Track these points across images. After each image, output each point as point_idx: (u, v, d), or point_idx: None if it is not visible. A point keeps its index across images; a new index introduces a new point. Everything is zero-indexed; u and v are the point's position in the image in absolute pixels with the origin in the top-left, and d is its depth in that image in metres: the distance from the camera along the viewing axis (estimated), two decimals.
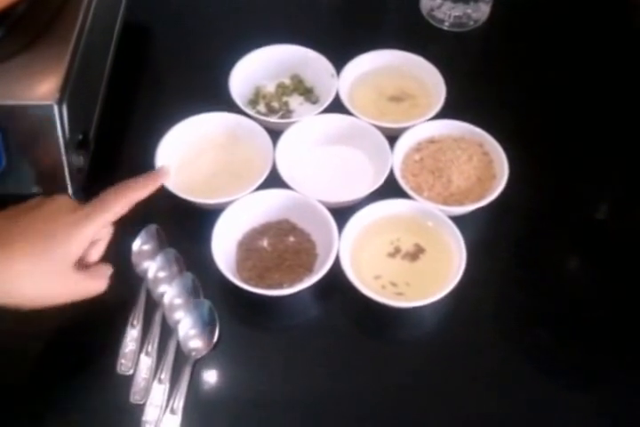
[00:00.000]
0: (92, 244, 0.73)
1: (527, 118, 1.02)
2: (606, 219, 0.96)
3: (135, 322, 0.83)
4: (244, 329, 0.84)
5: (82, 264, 0.72)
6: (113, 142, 0.93)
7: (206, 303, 0.83)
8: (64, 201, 0.72)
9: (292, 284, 0.84)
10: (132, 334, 0.82)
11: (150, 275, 0.85)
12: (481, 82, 1.04)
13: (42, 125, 0.79)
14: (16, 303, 0.66)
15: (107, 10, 0.93)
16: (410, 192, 0.88)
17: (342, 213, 0.86)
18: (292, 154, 0.93)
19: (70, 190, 0.83)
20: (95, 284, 0.73)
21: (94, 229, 0.70)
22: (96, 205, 0.71)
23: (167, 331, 0.82)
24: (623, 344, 0.84)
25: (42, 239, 0.66)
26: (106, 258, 0.85)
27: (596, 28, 1.10)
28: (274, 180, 0.89)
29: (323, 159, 0.96)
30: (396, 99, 1.00)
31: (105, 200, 0.72)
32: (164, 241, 0.88)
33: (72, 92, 0.81)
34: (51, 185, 0.83)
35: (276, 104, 1.00)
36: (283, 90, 1.01)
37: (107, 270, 0.75)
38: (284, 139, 0.92)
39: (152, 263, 0.86)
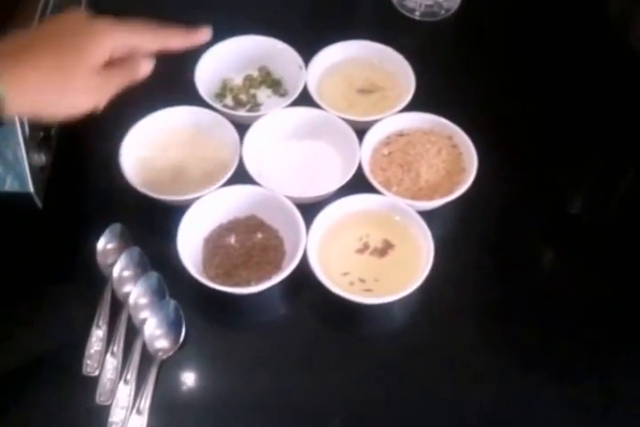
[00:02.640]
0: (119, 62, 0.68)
1: (497, 110, 1.00)
2: (579, 212, 0.95)
3: (100, 322, 0.81)
4: (212, 328, 0.83)
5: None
6: (76, 139, 0.91)
7: (172, 303, 0.82)
8: (79, 14, 0.68)
9: (259, 281, 0.83)
10: (98, 335, 0.81)
11: (115, 274, 0.84)
12: (451, 73, 1.03)
13: None
14: (48, 114, 0.64)
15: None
16: (378, 187, 0.87)
17: (311, 209, 0.85)
18: (259, 148, 0.92)
19: (32, 189, 0.81)
20: (121, 73, 0.68)
21: (112, 40, 0.66)
22: (121, 23, 0.68)
23: (133, 331, 0.81)
24: (597, 336, 0.84)
25: (54, 51, 0.63)
26: (69, 258, 0.84)
27: (571, 16, 1.09)
28: (241, 175, 0.87)
29: (291, 153, 0.94)
30: (365, 91, 0.99)
31: (133, 24, 0.69)
32: (129, 239, 0.87)
33: None
34: (12, 184, 0.81)
35: (243, 97, 0.99)
36: (250, 82, 1.00)
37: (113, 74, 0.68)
38: (250, 133, 0.91)
39: (117, 262, 0.84)
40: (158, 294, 0.83)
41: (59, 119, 0.65)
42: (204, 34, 0.75)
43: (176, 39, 0.72)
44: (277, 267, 0.85)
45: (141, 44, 0.69)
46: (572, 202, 0.96)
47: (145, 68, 0.69)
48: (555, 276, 0.90)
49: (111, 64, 0.67)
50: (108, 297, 0.83)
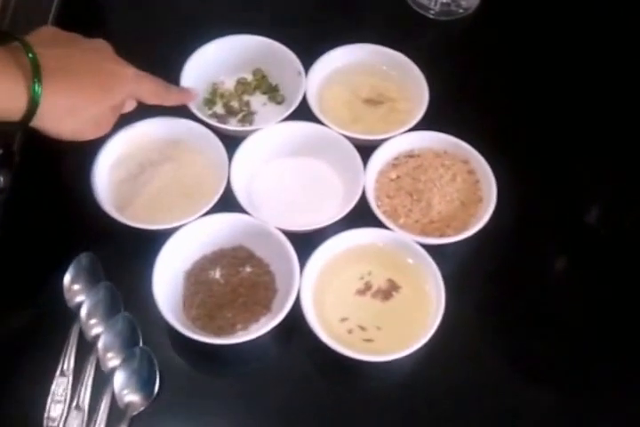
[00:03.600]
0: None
1: (521, 130, 0.90)
2: (608, 250, 0.84)
3: (65, 368, 0.72)
4: (190, 379, 0.74)
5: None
6: (41, 156, 0.80)
7: (145, 351, 0.73)
8: (107, 47, 0.72)
9: (246, 325, 0.75)
10: (62, 384, 0.72)
11: (83, 313, 0.74)
12: (469, 84, 0.93)
13: None
14: (59, 134, 0.67)
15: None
16: (383, 219, 0.77)
17: (307, 241, 0.76)
18: (249, 169, 0.82)
19: None
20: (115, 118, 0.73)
21: (136, 89, 0.72)
22: (144, 73, 0.74)
23: (102, 379, 0.72)
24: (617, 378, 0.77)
25: (94, 79, 0.67)
26: (31, 293, 0.75)
27: (600, 19, 0.98)
28: (228, 200, 0.78)
29: (285, 176, 0.84)
30: (371, 101, 0.88)
31: (148, 77, 0.74)
32: (100, 273, 0.77)
33: None
34: None
35: (235, 104, 0.88)
36: (244, 87, 0.89)
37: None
38: (240, 152, 0.80)
39: (85, 299, 0.75)
40: (131, 340, 0.74)
41: (61, 139, 0.67)
42: (192, 96, 0.82)
43: (173, 99, 0.79)
44: (267, 308, 0.76)
45: (148, 100, 0.75)
46: (602, 240, 0.85)
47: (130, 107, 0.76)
48: (584, 323, 0.80)
49: None
50: (74, 340, 0.74)
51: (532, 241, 0.83)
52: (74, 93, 0.65)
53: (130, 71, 0.71)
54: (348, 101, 0.88)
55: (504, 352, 0.77)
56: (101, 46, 0.71)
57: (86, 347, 0.73)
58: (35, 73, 0.61)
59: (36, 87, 0.61)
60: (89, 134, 0.70)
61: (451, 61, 0.93)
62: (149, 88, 0.73)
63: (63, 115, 0.65)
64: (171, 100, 0.78)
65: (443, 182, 0.81)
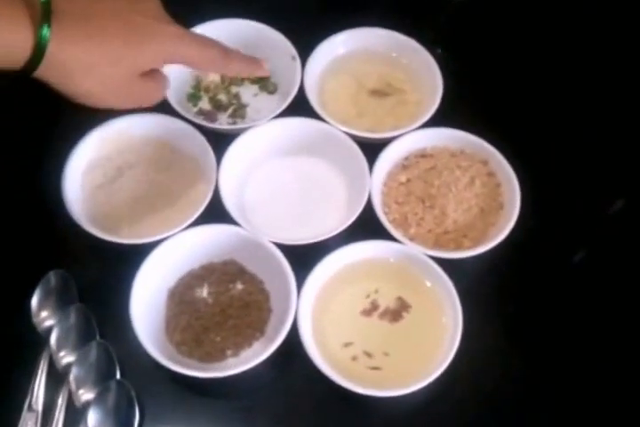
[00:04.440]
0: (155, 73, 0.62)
1: (546, 125, 0.81)
2: None
3: (34, 401, 0.64)
4: (173, 416, 0.65)
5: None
6: (3, 159, 0.71)
7: (123, 384, 0.64)
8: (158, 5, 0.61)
9: (237, 350, 0.68)
10: (30, 419, 0.64)
11: (53, 340, 0.66)
12: (489, 74, 0.83)
13: None
14: (72, 93, 0.57)
15: None
16: (391, 229, 0.69)
17: (305, 255, 0.68)
18: (240, 173, 0.74)
19: None
20: (157, 91, 0.64)
21: (180, 50, 0.60)
22: (196, 34, 0.63)
23: (75, 415, 0.64)
24: None
25: (122, 34, 0.57)
26: None
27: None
28: (217, 208, 0.69)
29: (281, 180, 0.75)
30: (378, 93, 0.80)
31: (202, 37, 0.63)
32: (72, 293, 0.69)
33: None
34: None
35: (223, 97, 0.79)
36: (231, 78, 0.80)
37: (165, 78, 0.65)
38: (230, 152, 0.72)
39: (56, 324, 0.66)
40: (106, 371, 0.65)
41: (76, 101, 0.58)
42: (263, 67, 0.68)
43: (237, 66, 0.65)
44: (260, 331, 0.69)
45: (199, 65, 0.63)
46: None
47: (159, 95, 0.65)
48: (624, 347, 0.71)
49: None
50: (43, 369, 0.66)
51: (560, 253, 0.74)
52: (91, 45, 0.55)
53: (171, 29, 0.59)
54: (351, 93, 0.79)
55: (530, 383, 0.68)
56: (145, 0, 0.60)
57: (57, 378, 0.65)
58: (44, 14, 0.52)
59: (44, 31, 0.52)
60: (107, 101, 0.60)
61: (468, 47, 0.84)
62: (199, 50, 0.61)
63: (76, 69, 0.55)
64: (232, 68, 0.64)
65: (459, 187, 0.72)
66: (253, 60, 0.66)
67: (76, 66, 0.55)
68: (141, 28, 0.57)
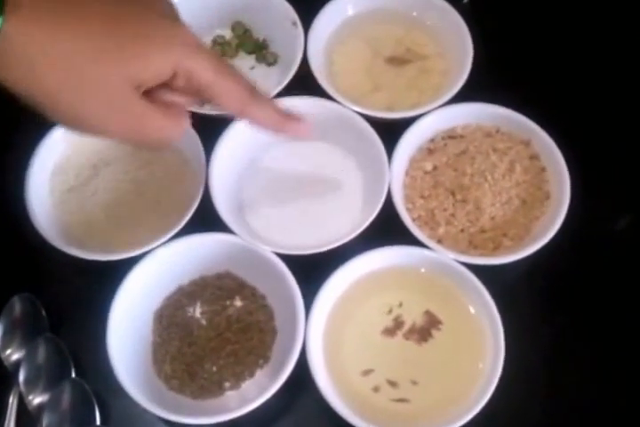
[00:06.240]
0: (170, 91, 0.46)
1: (598, 97, 0.68)
2: None
3: None
4: None
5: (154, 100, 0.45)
6: None
7: None
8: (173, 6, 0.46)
9: (237, 382, 0.59)
10: None
11: (21, 378, 0.57)
12: (528, 36, 0.71)
13: None
14: (36, 97, 0.41)
15: None
16: (415, 230, 0.58)
17: (314, 265, 0.57)
18: (234, 167, 0.62)
19: None
20: (170, 124, 0.46)
21: (194, 65, 0.44)
22: (220, 58, 0.47)
23: None
24: None
25: (112, 24, 0.42)
26: None
27: None
28: (208, 212, 0.58)
29: (283, 174, 0.64)
30: (397, 61, 0.69)
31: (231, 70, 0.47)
32: (42, 321, 0.60)
33: None
34: None
35: None
36: (222, 48, 0.71)
37: (186, 113, 0.48)
38: (222, 143, 0.61)
39: (24, 358, 0.58)
40: (84, 416, 0.56)
41: (56, 119, 0.43)
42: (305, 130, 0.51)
43: (263, 112, 0.49)
44: (264, 357, 0.59)
45: (216, 91, 0.45)
46: None
47: (180, 131, 0.46)
48: None
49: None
50: (12, 411, 0.57)
51: (628, 254, 0.62)
52: (72, 41, 0.40)
53: (188, 35, 0.44)
54: (364, 63, 0.69)
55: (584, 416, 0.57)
56: None
57: (28, 420, 0.56)
58: None
59: None
60: (88, 118, 0.43)
61: (504, 5, 0.72)
62: (220, 73, 0.45)
63: (39, 58, 0.40)
64: (257, 111, 0.49)
65: (496, 174, 0.61)
66: (289, 114, 0.51)
67: (39, 53, 0.40)
68: (144, 23, 0.43)
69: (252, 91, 0.47)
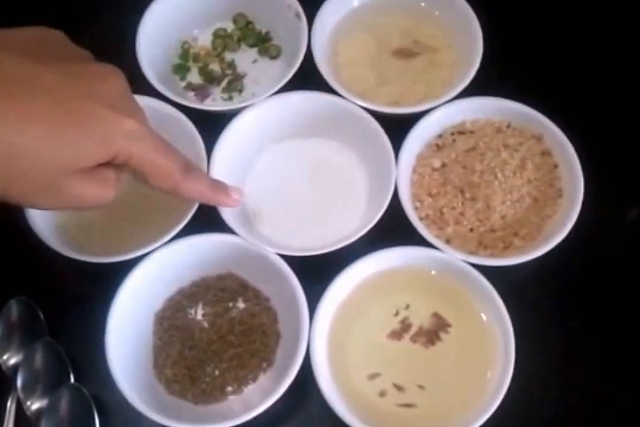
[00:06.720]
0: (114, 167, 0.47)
1: (613, 93, 0.66)
2: None
3: None
4: None
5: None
6: None
7: None
8: (116, 81, 0.46)
9: (239, 386, 0.57)
10: None
11: (19, 383, 0.56)
12: (542, 28, 0.68)
13: None
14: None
15: None
16: (422, 229, 0.56)
17: (319, 266, 0.56)
18: (236, 164, 0.60)
19: None
20: (103, 194, 0.47)
21: (136, 151, 0.45)
22: (160, 137, 0.48)
23: None
24: None
25: (52, 120, 0.42)
26: None
27: None
28: (208, 211, 0.56)
29: (286, 171, 0.62)
30: (404, 53, 0.66)
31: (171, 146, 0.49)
32: (40, 325, 0.59)
33: None
34: None
35: (216, 67, 0.67)
36: (224, 41, 0.68)
37: (117, 182, 0.48)
38: (223, 139, 0.59)
39: (22, 363, 0.56)
40: (83, 421, 0.54)
41: None
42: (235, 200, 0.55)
43: (196, 187, 0.50)
44: (268, 361, 0.57)
45: (151, 174, 0.47)
46: None
47: (110, 198, 0.47)
48: None
49: None
50: (11, 416, 0.56)
51: (637, 255, 0.60)
52: (12, 127, 0.41)
53: (129, 123, 0.45)
54: (370, 55, 0.66)
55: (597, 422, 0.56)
56: (105, 78, 0.46)
57: (27, 426, 0.55)
58: None
59: None
60: (36, 199, 0.45)
61: None
62: (155, 156, 0.47)
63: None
64: (188, 188, 0.50)
65: (507, 172, 0.59)
66: (220, 186, 0.54)
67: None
68: (88, 116, 0.43)
69: (187, 168, 0.49)
